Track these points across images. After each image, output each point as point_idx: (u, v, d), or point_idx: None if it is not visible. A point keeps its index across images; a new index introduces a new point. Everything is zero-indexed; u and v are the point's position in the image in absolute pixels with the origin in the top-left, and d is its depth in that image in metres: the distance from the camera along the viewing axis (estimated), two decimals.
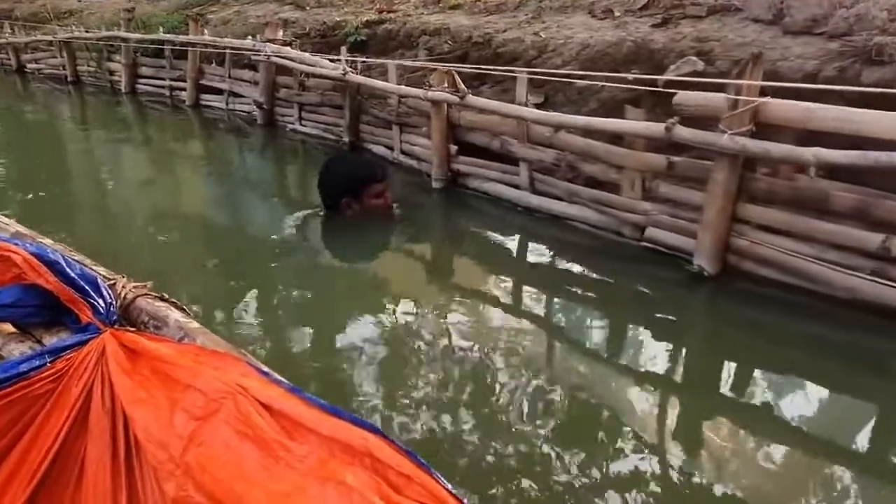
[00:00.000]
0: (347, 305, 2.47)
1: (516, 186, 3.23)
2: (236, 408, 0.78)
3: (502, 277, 2.72)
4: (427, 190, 3.68)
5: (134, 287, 1.07)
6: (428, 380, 2.00)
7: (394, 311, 2.41)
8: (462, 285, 2.66)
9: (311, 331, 2.31)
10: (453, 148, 3.48)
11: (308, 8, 7.48)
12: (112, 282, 1.06)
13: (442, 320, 2.36)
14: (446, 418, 1.82)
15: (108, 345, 0.90)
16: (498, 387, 1.98)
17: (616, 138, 2.95)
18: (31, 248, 1.07)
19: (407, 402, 1.89)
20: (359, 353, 2.13)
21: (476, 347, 2.17)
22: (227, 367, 0.85)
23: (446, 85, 3.38)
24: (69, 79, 8.11)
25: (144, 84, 7.17)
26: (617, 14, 4.51)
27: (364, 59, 4.17)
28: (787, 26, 3.43)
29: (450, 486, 0.71)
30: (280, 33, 5.32)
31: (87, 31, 7.81)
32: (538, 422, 1.79)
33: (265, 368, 0.87)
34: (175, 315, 1.02)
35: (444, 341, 2.20)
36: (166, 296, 1.10)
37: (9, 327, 1.04)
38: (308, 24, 6.66)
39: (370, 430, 0.75)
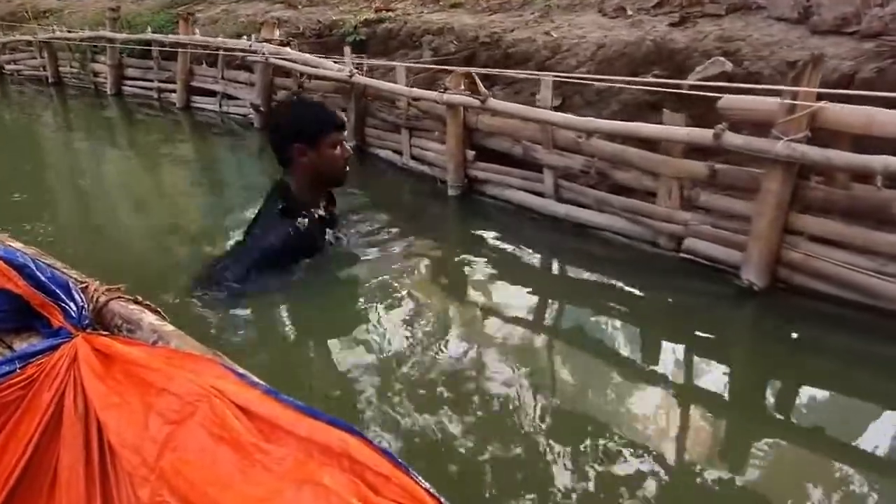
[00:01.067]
0: (353, 321, 2.28)
1: (540, 194, 3.07)
2: (212, 411, 0.77)
3: (528, 290, 2.56)
4: (441, 197, 3.51)
5: (107, 290, 1.06)
6: (447, 402, 1.83)
7: (405, 326, 2.22)
8: (484, 299, 2.49)
9: (315, 349, 2.12)
10: (470, 153, 3.31)
11: (300, 7, 7.27)
12: (84, 285, 1.05)
13: (463, 339, 2.19)
14: (470, 443, 1.67)
15: (81, 349, 0.88)
16: (526, 412, 1.82)
17: (644, 142, 2.81)
18: (0, 252, 1.05)
19: (425, 425, 1.73)
20: (363, 374, 1.96)
21: (501, 369, 2.01)
22: (202, 370, 0.84)
23: (463, 87, 3.21)
24: (50, 80, 7.81)
25: (131, 86, 6.91)
26: (630, 13, 4.38)
27: (374, 61, 3.98)
28: (815, 25, 3.31)
29: (428, 486, 0.70)
30: (277, 33, 5.10)
31: (69, 31, 7.51)
32: (572, 447, 1.65)
33: (241, 370, 0.86)
34: (149, 318, 1.01)
35: (465, 362, 2.04)
36: (140, 299, 1.07)
37: None
38: (302, 24, 6.45)
39: (348, 431, 0.74)
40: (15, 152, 5.51)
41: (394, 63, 3.81)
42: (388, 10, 5.93)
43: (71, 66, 7.62)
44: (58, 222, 3.61)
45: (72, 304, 0.98)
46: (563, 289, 2.63)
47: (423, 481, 0.71)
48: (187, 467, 0.74)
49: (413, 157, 3.84)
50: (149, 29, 6.43)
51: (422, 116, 3.69)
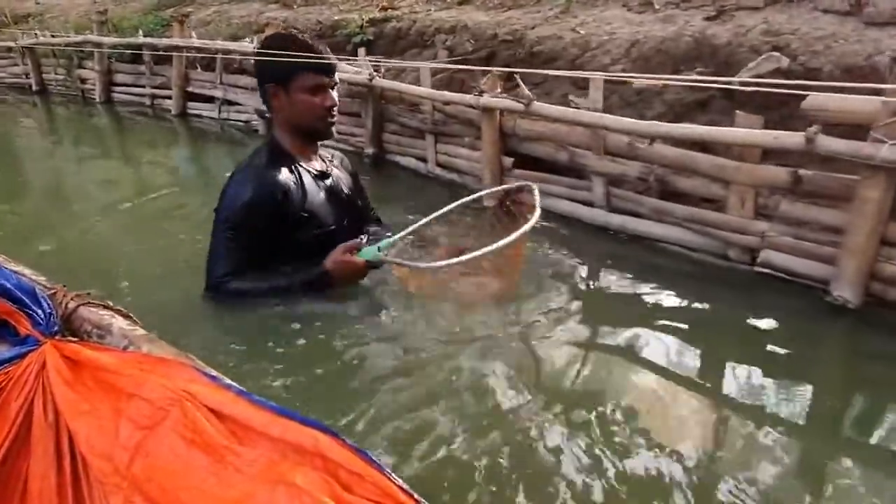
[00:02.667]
0: (378, 347, 2.00)
1: (588, 203, 2.84)
2: (183, 415, 0.78)
3: (580, 304, 2.32)
4: (473, 208, 3.26)
5: (75, 296, 1.04)
6: (489, 423, 1.61)
7: (443, 344, 1.96)
8: (531, 316, 2.21)
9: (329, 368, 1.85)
10: (507, 160, 3.07)
11: (296, 7, 6.99)
12: (52, 291, 1.04)
13: (511, 361, 1.92)
14: (529, 469, 1.47)
15: (49, 356, 0.88)
16: (585, 439, 1.60)
17: (694, 145, 2.60)
18: None
19: (471, 450, 1.51)
20: (377, 385, 1.72)
21: (553, 392, 1.78)
22: (174, 374, 0.83)
23: (500, 90, 2.98)
24: (34, 88, 7.45)
25: (121, 93, 6.59)
26: (657, 7, 4.17)
27: (396, 62, 3.73)
28: (870, 17, 3.11)
29: (401, 483, 0.70)
30: None
31: (53, 36, 7.16)
32: (643, 479, 1.45)
33: (213, 373, 0.85)
34: (119, 323, 0.99)
35: (513, 386, 1.79)
36: (110, 304, 1.05)
37: None
38: (301, 24, 6.17)
39: (321, 431, 0.74)
40: None
41: (417, 63, 3.55)
42: (391, 9, 5.68)
43: (56, 73, 7.28)
44: (32, 231, 3.30)
45: (39, 311, 0.96)
46: (625, 305, 2.39)
47: (396, 478, 0.70)
48: (159, 473, 0.74)
49: (439, 165, 3.60)
50: (140, 32, 6.11)
51: (450, 121, 3.44)
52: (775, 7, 3.65)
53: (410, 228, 1.97)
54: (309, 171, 2.04)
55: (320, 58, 1.93)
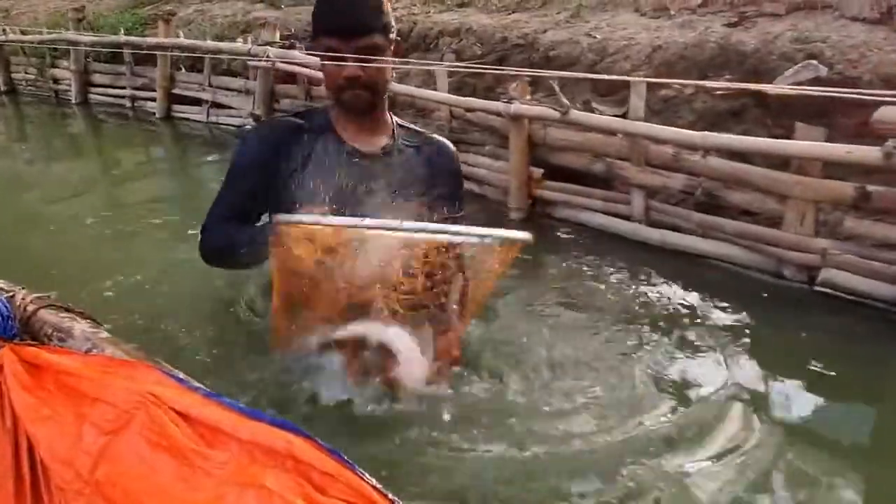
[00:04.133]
0: None
1: (626, 217, 2.69)
2: (150, 418, 0.76)
3: (623, 324, 2.18)
4: (499, 220, 3.10)
5: (35, 298, 1.02)
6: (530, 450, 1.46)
7: (476, 371, 1.77)
8: (571, 336, 2.05)
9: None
10: (536, 171, 2.92)
11: (284, 7, 6.74)
12: (10, 294, 1.02)
13: (549, 382, 1.75)
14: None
15: (6, 361, 0.86)
16: (632, 470, 1.46)
17: (735, 155, 2.49)
18: None
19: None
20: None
21: (596, 414, 1.62)
22: (139, 377, 0.81)
23: (529, 97, 2.82)
24: (2, 88, 7.04)
25: (99, 94, 6.25)
26: (673, 12, 4.07)
27: (418, 63, 3.52)
28: None
29: (375, 483, 0.69)
30: (278, 34, 4.60)
31: (23, 33, 6.78)
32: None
33: (181, 375, 0.84)
34: (81, 326, 0.97)
35: (550, 404, 1.63)
36: (71, 306, 1.04)
37: None
38: (292, 25, 5.93)
39: (293, 432, 0.73)
40: None
41: (434, 64, 3.37)
42: None
43: (27, 73, 6.89)
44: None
45: None
46: (664, 320, 2.24)
47: (370, 478, 0.70)
48: (124, 478, 0.73)
49: None
50: (122, 31, 5.80)
51: (469, 128, 3.27)
52: (798, 14, 3.58)
53: (373, 222, 1.34)
54: (343, 146, 1.64)
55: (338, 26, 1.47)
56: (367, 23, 1.49)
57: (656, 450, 1.51)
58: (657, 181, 2.59)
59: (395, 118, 1.72)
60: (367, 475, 0.70)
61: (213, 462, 0.72)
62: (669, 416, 1.66)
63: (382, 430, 1.49)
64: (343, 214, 1.45)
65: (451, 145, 1.75)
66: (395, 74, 1.84)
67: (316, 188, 1.54)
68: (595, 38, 3.87)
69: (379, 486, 0.69)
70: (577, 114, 2.60)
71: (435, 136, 1.77)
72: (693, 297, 2.41)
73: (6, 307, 0.96)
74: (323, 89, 4.16)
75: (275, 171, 1.59)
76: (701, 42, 3.48)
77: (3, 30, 6.91)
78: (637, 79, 2.50)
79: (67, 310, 1.02)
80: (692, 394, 1.79)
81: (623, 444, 1.52)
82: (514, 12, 4.90)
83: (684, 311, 2.36)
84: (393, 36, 1.59)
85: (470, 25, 4.71)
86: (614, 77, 2.86)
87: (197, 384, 0.82)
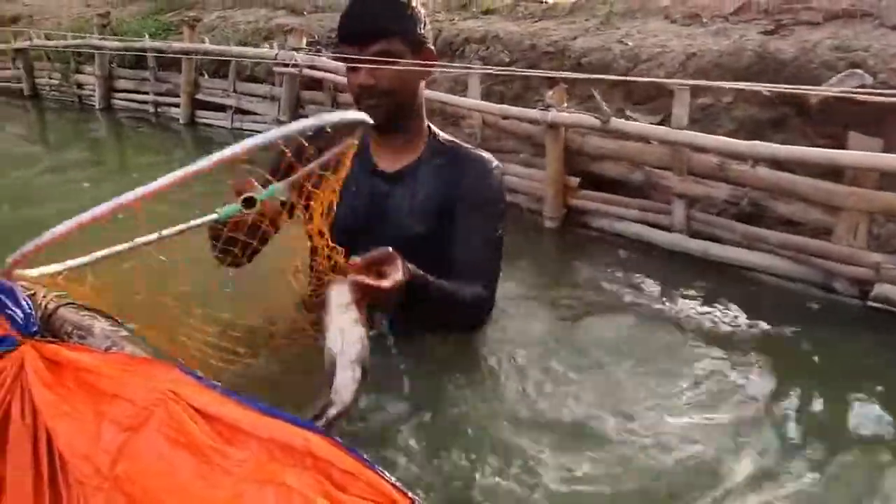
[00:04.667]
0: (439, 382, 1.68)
1: (664, 227, 2.64)
2: (168, 415, 0.76)
3: (664, 336, 2.11)
4: (534, 229, 3.06)
5: (56, 296, 1.04)
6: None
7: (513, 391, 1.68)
8: (614, 354, 1.94)
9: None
10: (573, 180, 2.87)
11: (306, 13, 6.75)
12: (31, 292, 1.03)
13: (588, 404, 1.66)
14: None
15: (28, 357, 0.86)
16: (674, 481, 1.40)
17: (775, 164, 2.43)
18: None
19: None
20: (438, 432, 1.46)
21: (638, 438, 1.53)
22: (158, 375, 0.81)
23: (565, 104, 2.78)
24: (26, 93, 7.09)
25: (123, 99, 6.27)
26: (705, 20, 4.01)
27: (448, 67, 3.49)
28: None
29: (395, 482, 0.69)
30: (304, 41, 4.59)
31: (48, 38, 6.83)
32: None
33: (199, 374, 0.84)
34: (101, 324, 0.99)
35: (587, 413, 1.56)
36: (92, 305, 1.05)
37: None
38: (315, 32, 5.93)
39: (311, 430, 0.73)
40: None
41: (467, 68, 3.33)
42: None
43: (50, 78, 6.93)
44: (10, 234, 2.95)
45: (18, 312, 0.94)
46: (706, 333, 2.17)
47: (390, 477, 0.69)
48: (143, 475, 0.73)
49: None
50: (146, 36, 5.82)
51: (502, 136, 3.23)
52: (837, 22, 3.51)
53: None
54: (367, 165, 1.52)
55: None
56: (380, 27, 1.38)
57: (695, 476, 1.44)
58: (700, 191, 2.53)
59: (437, 132, 1.57)
60: (387, 474, 0.70)
61: (232, 460, 0.72)
62: (708, 437, 1.59)
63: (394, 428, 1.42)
64: (352, 240, 1.33)
65: (487, 160, 1.55)
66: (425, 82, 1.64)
67: (340, 211, 1.39)
68: (627, 45, 3.83)
69: (399, 484, 0.69)
70: (618, 122, 2.56)
71: (473, 150, 1.58)
72: (736, 310, 2.34)
73: (28, 305, 0.97)
74: (348, 96, 4.18)
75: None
76: (737, 50, 3.43)
77: (31, 35, 6.96)
78: (685, 82, 2.44)
79: (87, 308, 1.04)
80: (735, 414, 1.70)
81: (660, 463, 1.45)
82: (540, 20, 4.86)
83: (727, 324, 2.29)
84: (423, 41, 1.44)
85: (496, 33, 4.68)
86: (664, 80, 2.80)
87: (215, 382, 0.83)
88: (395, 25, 1.42)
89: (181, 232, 1.23)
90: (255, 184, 1.23)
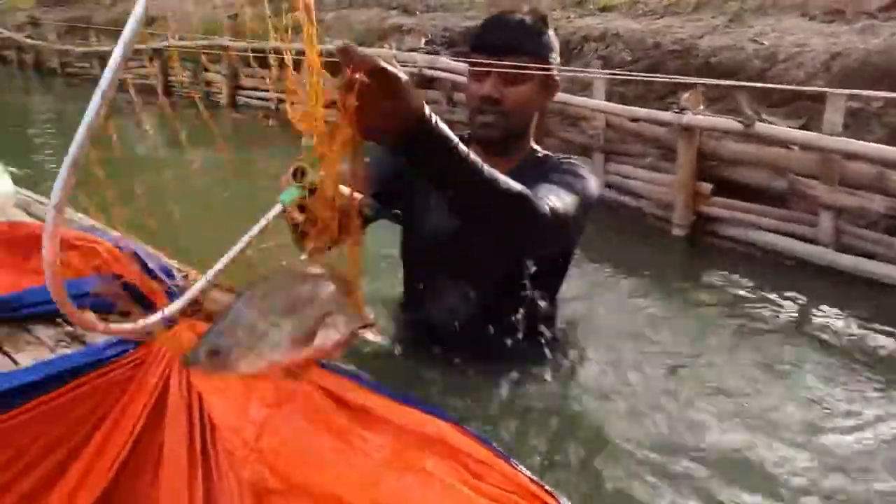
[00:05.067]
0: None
1: (808, 239, 2.49)
2: (306, 398, 0.80)
3: (816, 358, 1.98)
4: (661, 236, 2.97)
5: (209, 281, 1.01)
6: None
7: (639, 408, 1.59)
8: (748, 376, 1.81)
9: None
10: (705, 186, 2.76)
11: (418, 13, 6.87)
12: (185, 273, 1.12)
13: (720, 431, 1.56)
14: None
15: (184, 334, 0.91)
16: None
17: None
18: (110, 239, 1.17)
19: None
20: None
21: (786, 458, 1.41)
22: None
23: (702, 107, 2.67)
24: (160, 91, 7.65)
25: (246, 97, 6.63)
26: (849, 17, 3.74)
27: (569, 69, 3.45)
28: None
29: (530, 474, 0.68)
30: (422, 41, 4.67)
31: (181, 40, 7.33)
32: None
33: (331, 362, 0.85)
34: None
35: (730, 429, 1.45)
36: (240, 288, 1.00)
37: (92, 315, 0.97)
38: (429, 31, 6.02)
39: (445, 420, 0.74)
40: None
41: (593, 72, 3.28)
42: None
43: (182, 77, 7.44)
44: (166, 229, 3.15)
45: (177, 291, 1.00)
46: (850, 358, 2.01)
47: (525, 470, 0.69)
48: (286, 448, 0.75)
49: (609, 186, 3.32)
50: (276, 37, 6.12)
51: (628, 138, 3.16)
52: None
53: None
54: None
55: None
56: (515, 42, 1.33)
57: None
58: (853, 202, 2.37)
59: (537, 148, 1.43)
60: (521, 466, 0.70)
61: (371, 444, 0.74)
62: (848, 476, 1.48)
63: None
64: (443, 247, 1.30)
65: (577, 161, 1.40)
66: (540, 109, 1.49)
67: (430, 217, 1.38)
68: (762, 44, 3.63)
69: (535, 477, 0.68)
70: (763, 127, 2.43)
71: (566, 157, 1.44)
72: (891, 331, 2.18)
73: (184, 285, 1.01)
74: (463, 96, 4.22)
75: (392, 195, 1.36)
76: (889, 48, 3.18)
77: (167, 36, 7.51)
78: (840, 91, 2.29)
79: (234, 291, 1.03)
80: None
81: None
82: (662, 17, 4.70)
83: (879, 346, 2.14)
84: (551, 66, 1.33)
85: (616, 30, 4.57)
86: (853, 91, 2.56)
87: (345, 368, 0.86)
88: (530, 45, 1.40)
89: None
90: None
